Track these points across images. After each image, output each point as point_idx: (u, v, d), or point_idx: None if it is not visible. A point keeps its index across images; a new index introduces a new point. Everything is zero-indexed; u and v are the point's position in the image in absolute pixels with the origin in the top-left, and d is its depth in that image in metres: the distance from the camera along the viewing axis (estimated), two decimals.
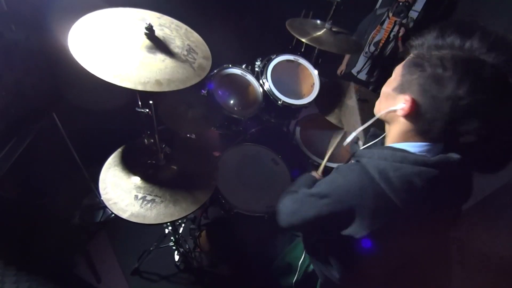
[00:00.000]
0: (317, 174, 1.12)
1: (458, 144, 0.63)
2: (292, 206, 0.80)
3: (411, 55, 0.65)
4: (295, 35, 1.51)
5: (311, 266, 1.02)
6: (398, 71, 0.67)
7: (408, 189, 0.61)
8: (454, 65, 0.54)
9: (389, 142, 0.73)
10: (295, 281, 1.06)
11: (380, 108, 0.73)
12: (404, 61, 0.66)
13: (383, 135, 0.80)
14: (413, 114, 0.63)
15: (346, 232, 0.69)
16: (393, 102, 0.67)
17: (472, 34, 0.55)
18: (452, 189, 0.67)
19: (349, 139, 0.87)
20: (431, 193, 0.63)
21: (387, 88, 0.70)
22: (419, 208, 0.65)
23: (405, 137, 0.68)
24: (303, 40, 1.48)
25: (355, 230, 0.67)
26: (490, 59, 0.54)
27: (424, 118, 0.62)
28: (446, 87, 0.55)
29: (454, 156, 0.62)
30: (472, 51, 0.55)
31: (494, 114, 0.56)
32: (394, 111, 0.66)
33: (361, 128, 0.83)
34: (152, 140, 1.06)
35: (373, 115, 0.77)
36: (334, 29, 1.57)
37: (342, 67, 2.57)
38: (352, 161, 0.78)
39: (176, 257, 1.59)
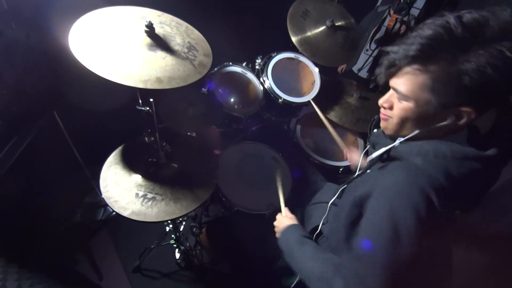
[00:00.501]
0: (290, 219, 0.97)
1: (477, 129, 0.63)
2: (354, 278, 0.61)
3: (426, 77, 0.57)
4: (289, 31, 1.49)
5: None
6: (416, 94, 0.59)
7: (468, 187, 0.60)
8: (497, 60, 0.49)
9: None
10: (297, 282, 1.06)
11: (407, 131, 0.66)
12: (414, 82, 0.58)
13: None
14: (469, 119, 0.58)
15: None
16: (432, 120, 0.61)
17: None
18: (487, 184, 0.67)
19: (373, 155, 0.74)
20: (475, 188, 0.63)
21: (414, 113, 0.62)
22: (468, 201, 0.64)
23: (441, 135, 0.64)
24: (293, 38, 1.46)
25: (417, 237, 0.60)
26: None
27: (478, 114, 0.57)
28: (496, 78, 0.50)
29: (499, 151, 0.60)
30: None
31: None
32: (451, 124, 0.60)
33: (388, 147, 0.70)
34: (152, 139, 1.06)
35: (373, 113, 0.76)
36: (337, 24, 1.54)
37: (343, 65, 2.56)
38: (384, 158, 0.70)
39: (177, 255, 1.60)
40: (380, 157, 0.71)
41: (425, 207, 0.56)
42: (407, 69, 0.59)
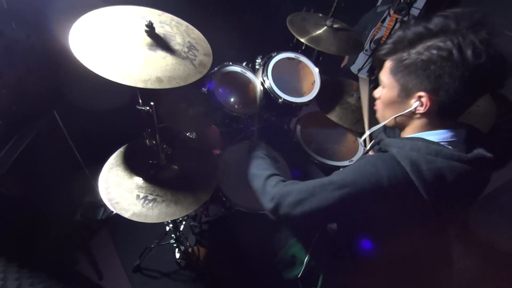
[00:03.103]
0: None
1: (479, 133, 0.68)
2: (296, 195, 0.72)
3: (389, 62, 0.69)
4: (294, 34, 1.51)
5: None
6: (388, 80, 0.71)
7: (439, 183, 0.62)
8: (452, 44, 0.59)
9: (409, 133, 0.73)
10: (300, 274, 1.07)
11: (388, 116, 0.74)
12: (387, 69, 0.70)
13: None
14: (432, 105, 0.64)
15: (359, 220, 0.70)
16: (403, 106, 0.69)
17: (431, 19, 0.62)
18: (477, 185, 0.68)
19: (364, 136, 0.93)
20: (458, 188, 0.64)
21: (388, 97, 0.72)
22: (444, 203, 0.66)
23: (426, 127, 0.69)
24: (302, 40, 1.49)
25: (373, 218, 0.67)
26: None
27: (444, 102, 0.63)
28: (455, 62, 0.58)
29: (488, 154, 0.64)
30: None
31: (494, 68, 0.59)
32: (411, 112, 0.68)
33: (374, 128, 0.82)
34: (153, 141, 1.06)
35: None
36: (335, 26, 1.57)
37: (346, 61, 2.56)
38: (373, 152, 0.78)
39: (177, 255, 1.60)
40: (373, 146, 0.79)
41: (382, 184, 0.62)
42: (387, 62, 0.70)
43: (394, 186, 0.62)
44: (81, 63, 0.73)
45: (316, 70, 1.64)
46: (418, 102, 0.65)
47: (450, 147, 0.65)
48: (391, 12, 2.12)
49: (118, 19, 0.87)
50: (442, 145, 0.64)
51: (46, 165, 1.38)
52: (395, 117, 0.72)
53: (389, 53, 0.68)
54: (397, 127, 0.77)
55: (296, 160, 1.52)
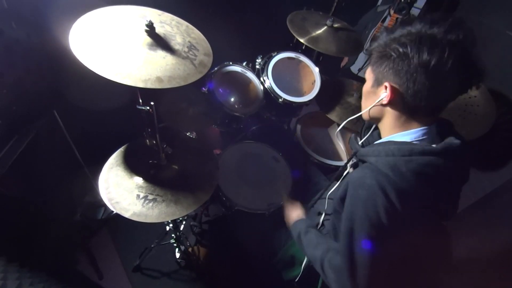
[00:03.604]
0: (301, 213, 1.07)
1: (448, 123, 0.71)
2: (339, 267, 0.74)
3: (373, 54, 0.73)
4: (294, 34, 1.51)
5: None
6: (368, 72, 0.76)
7: (422, 180, 0.64)
8: (411, 41, 0.64)
9: (385, 135, 0.76)
10: (299, 274, 1.07)
11: (365, 106, 0.79)
12: (370, 63, 0.75)
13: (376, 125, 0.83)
14: (396, 98, 0.69)
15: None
16: (375, 97, 0.74)
17: (411, 22, 0.67)
18: (457, 174, 0.70)
19: (338, 129, 0.98)
20: (441, 180, 0.66)
21: (366, 87, 0.78)
22: (432, 196, 0.68)
23: (399, 126, 0.72)
24: (302, 40, 1.49)
25: (379, 228, 0.68)
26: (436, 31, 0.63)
27: (407, 96, 0.67)
28: (413, 58, 0.62)
29: (455, 141, 0.66)
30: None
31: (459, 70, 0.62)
32: (379, 103, 0.72)
33: (346, 121, 0.89)
34: (153, 141, 1.06)
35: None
36: (335, 25, 1.57)
37: (345, 61, 2.56)
38: (354, 161, 0.79)
39: (177, 254, 1.60)
40: (351, 158, 0.83)
41: (378, 201, 0.64)
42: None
43: (387, 195, 0.64)
44: (81, 63, 0.73)
45: (316, 70, 1.64)
46: (385, 94, 0.69)
47: (415, 140, 0.69)
48: (392, 11, 2.12)
49: (118, 19, 0.87)
50: (414, 143, 0.68)
51: (46, 165, 1.38)
52: (369, 109, 0.76)
53: (373, 48, 0.74)
54: (373, 122, 0.82)
55: (296, 160, 1.52)
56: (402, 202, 0.65)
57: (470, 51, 0.62)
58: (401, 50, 0.64)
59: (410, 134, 0.70)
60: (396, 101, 0.69)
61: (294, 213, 1.06)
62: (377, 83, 0.72)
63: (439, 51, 0.61)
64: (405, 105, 0.69)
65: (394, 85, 0.68)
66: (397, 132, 0.73)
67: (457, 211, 0.77)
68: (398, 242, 0.71)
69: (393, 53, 0.66)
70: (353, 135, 0.88)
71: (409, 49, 0.63)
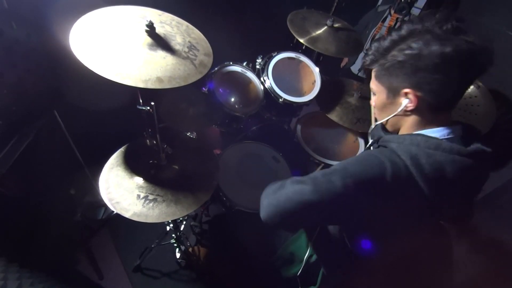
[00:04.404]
0: None
1: (475, 130, 0.69)
2: (291, 194, 0.69)
3: (374, 70, 0.73)
4: (294, 34, 1.51)
5: (314, 257, 1.02)
6: (376, 86, 0.75)
7: (439, 178, 0.62)
8: (418, 40, 0.63)
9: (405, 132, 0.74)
10: (299, 272, 1.07)
11: (384, 117, 0.77)
12: (373, 77, 0.75)
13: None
14: (420, 101, 0.67)
15: (360, 218, 0.69)
16: (395, 106, 0.72)
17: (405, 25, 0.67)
18: (476, 180, 0.69)
19: (371, 128, 0.91)
20: (458, 182, 0.64)
21: (380, 101, 0.76)
22: (445, 197, 0.66)
23: (422, 126, 0.71)
24: (302, 40, 1.48)
25: (374, 216, 0.67)
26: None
27: (428, 97, 0.65)
28: (425, 56, 0.62)
29: (487, 148, 0.65)
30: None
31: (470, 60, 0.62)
32: (403, 111, 0.70)
33: (375, 124, 0.86)
34: (154, 141, 1.06)
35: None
36: (336, 25, 1.57)
37: (345, 61, 2.56)
38: (375, 147, 0.79)
39: (178, 254, 1.60)
40: (372, 143, 0.81)
41: (385, 176, 0.62)
42: (372, 71, 0.75)
43: (396, 178, 0.62)
44: (82, 63, 0.73)
45: (316, 70, 1.64)
46: (407, 100, 0.68)
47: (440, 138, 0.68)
48: (392, 11, 2.12)
49: (119, 19, 0.87)
50: (442, 140, 0.66)
51: (46, 165, 1.38)
52: (391, 118, 0.75)
53: (372, 63, 0.73)
54: (395, 129, 0.80)
55: (296, 159, 1.52)
56: (404, 194, 0.63)
57: (473, 43, 0.62)
58: (411, 52, 0.63)
59: (435, 132, 0.69)
60: (420, 104, 0.68)
61: None
62: (393, 93, 0.71)
63: (444, 42, 0.61)
64: (428, 105, 0.68)
65: (413, 88, 0.66)
66: (419, 130, 0.71)
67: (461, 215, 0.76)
68: (367, 222, 0.69)
69: (402, 58, 0.65)
70: (378, 125, 0.85)
71: (419, 48, 0.62)
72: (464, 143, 0.66)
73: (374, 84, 0.76)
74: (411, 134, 0.69)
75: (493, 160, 0.66)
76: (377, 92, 0.76)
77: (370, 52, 0.73)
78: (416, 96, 0.66)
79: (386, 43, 0.69)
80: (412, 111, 0.70)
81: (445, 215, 0.74)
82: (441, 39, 0.61)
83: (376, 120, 0.84)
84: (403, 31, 0.67)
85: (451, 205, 0.71)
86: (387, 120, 0.77)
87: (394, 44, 0.68)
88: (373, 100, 0.80)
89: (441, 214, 0.73)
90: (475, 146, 0.65)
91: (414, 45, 0.63)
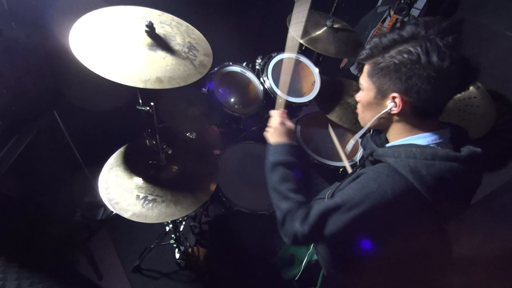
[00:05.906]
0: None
1: (462, 130, 0.70)
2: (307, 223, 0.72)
3: (367, 65, 0.73)
4: (293, 34, 1.51)
5: (314, 257, 1.02)
6: (366, 83, 0.74)
7: (441, 185, 0.63)
8: (415, 45, 0.64)
9: (394, 139, 0.75)
10: (299, 273, 1.07)
11: (368, 118, 0.78)
12: (365, 73, 0.74)
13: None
14: (405, 106, 0.68)
15: (371, 233, 0.70)
16: (380, 108, 0.72)
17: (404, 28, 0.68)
18: (473, 182, 0.69)
19: (349, 146, 0.90)
20: (458, 187, 0.65)
21: (366, 99, 0.76)
22: (447, 203, 0.67)
23: (409, 130, 0.72)
24: (301, 41, 1.48)
25: (383, 229, 0.68)
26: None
27: (417, 102, 0.66)
28: (420, 62, 0.62)
29: (477, 149, 0.66)
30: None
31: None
32: (387, 113, 0.71)
33: (357, 135, 0.85)
34: (153, 142, 1.06)
35: None
36: (335, 26, 1.57)
37: (344, 62, 2.56)
38: (369, 161, 0.79)
39: (177, 255, 1.60)
40: (366, 158, 0.80)
41: (388, 198, 0.64)
42: (365, 66, 0.74)
43: (399, 196, 0.64)
44: (81, 63, 0.73)
45: (316, 71, 1.64)
46: (393, 103, 0.69)
47: (430, 144, 0.68)
48: (391, 12, 2.12)
49: (118, 19, 0.87)
50: (435, 148, 0.66)
51: (46, 165, 1.38)
52: (375, 120, 0.75)
53: (367, 58, 0.73)
54: (379, 128, 0.81)
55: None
56: (409, 206, 0.64)
57: (468, 60, 0.64)
58: (410, 57, 0.63)
59: (424, 138, 0.69)
60: (406, 109, 0.68)
61: (282, 131, 0.95)
62: (381, 94, 0.71)
63: (444, 56, 0.61)
64: (414, 110, 0.68)
65: (402, 94, 0.67)
66: (408, 136, 0.72)
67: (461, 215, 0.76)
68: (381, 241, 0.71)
69: (399, 61, 0.65)
70: (367, 135, 0.85)
71: (418, 55, 0.62)
72: (455, 146, 0.67)
73: (364, 81, 0.75)
74: (404, 146, 0.69)
75: (486, 159, 0.67)
76: (366, 89, 0.75)
77: (368, 47, 0.72)
78: (403, 101, 0.67)
79: (386, 40, 0.68)
80: (398, 114, 0.70)
81: (446, 219, 0.74)
82: (440, 51, 0.61)
83: (358, 122, 0.84)
84: (406, 33, 0.66)
85: (453, 209, 0.71)
86: (373, 122, 0.77)
87: (394, 43, 0.67)
88: (359, 96, 0.80)
89: (443, 218, 0.73)
90: (467, 148, 0.66)
91: (413, 50, 0.63)
